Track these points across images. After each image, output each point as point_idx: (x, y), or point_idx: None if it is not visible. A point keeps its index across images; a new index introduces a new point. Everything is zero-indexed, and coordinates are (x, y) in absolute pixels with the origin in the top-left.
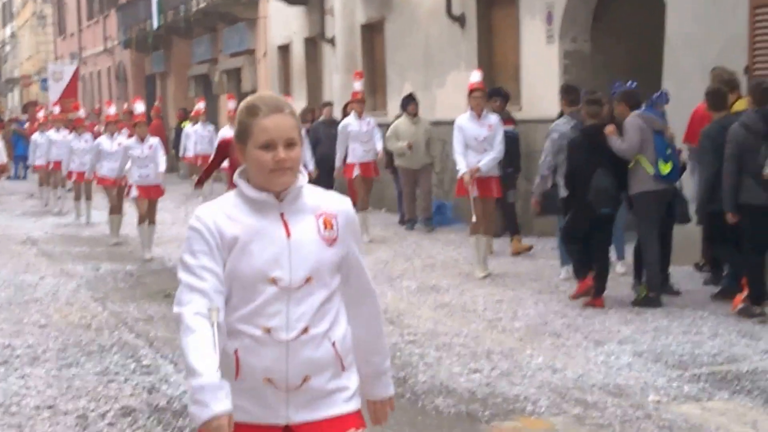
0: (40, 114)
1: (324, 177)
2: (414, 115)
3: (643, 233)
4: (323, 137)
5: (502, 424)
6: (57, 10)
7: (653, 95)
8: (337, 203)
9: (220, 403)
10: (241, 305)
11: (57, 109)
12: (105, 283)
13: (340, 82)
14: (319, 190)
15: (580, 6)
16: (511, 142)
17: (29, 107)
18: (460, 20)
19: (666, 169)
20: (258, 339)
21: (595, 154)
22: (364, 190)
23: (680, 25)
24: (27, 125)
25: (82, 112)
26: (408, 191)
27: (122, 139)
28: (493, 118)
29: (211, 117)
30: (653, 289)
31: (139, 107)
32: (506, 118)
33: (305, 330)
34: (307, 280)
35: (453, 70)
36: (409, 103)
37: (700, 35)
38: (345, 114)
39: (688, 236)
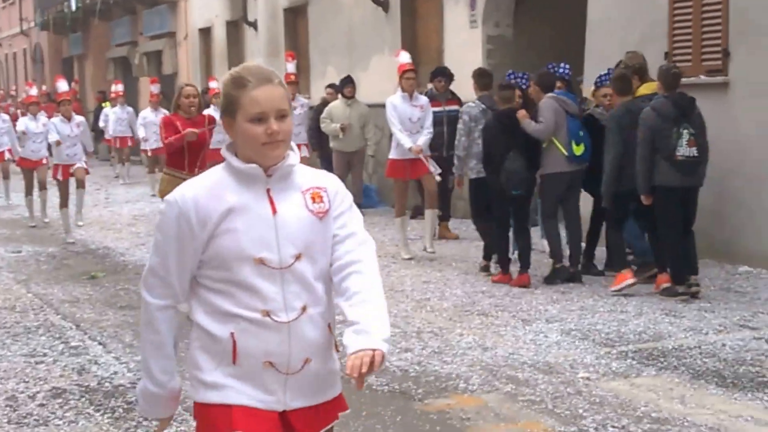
0: None
1: None
2: (350, 97)
3: (544, 209)
4: None
5: (435, 401)
6: None
7: (601, 74)
8: (325, 179)
9: (168, 410)
10: (229, 288)
11: None
12: (27, 266)
13: (262, 64)
14: (309, 169)
15: None
16: (456, 122)
17: None
18: (384, 4)
19: (579, 150)
20: (256, 322)
21: (508, 138)
22: None
23: (602, 11)
24: None
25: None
26: (340, 174)
27: (44, 119)
28: (424, 99)
29: (131, 100)
30: (559, 261)
31: (63, 86)
32: (451, 98)
33: (304, 309)
34: (297, 257)
35: (376, 54)
36: (345, 85)
37: (621, 20)
38: None
39: None
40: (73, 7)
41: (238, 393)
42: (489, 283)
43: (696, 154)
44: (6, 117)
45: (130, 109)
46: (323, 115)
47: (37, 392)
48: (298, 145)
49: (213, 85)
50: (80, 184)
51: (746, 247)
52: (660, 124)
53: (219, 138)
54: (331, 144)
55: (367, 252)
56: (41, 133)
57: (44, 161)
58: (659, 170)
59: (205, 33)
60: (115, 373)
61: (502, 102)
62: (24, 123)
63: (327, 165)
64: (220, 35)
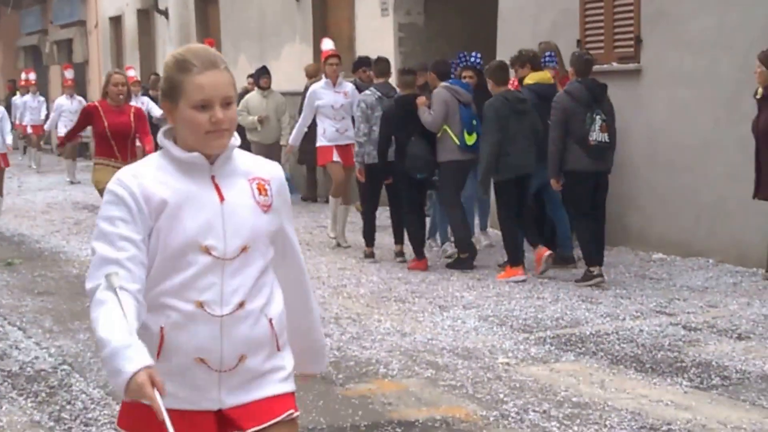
0: None
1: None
2: (266, 88)
3: (444, 198)
4: None
5: (356, 386)
6: None
7: (544, 55)
8: (269, 168)
9: (131, 361)
10: (168, 277)
11: None
12: None
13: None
14: (247, 154)
15: None
16: None
17: None
18: None
19: (471, 140)
20: (188, 314)
21: (409, 123)
22: None
23: None
24: None
25: None
26: None
27: None
28: (349, 86)
29: (42, 88)
30: (463, 250)
31: None
32: None
33: (241, 305)
34: (243, 249)
35: (288, 42)
36: (261, 76)
37: (533, 8)
38: None
39: None
40: None
41: (169, 396)
42: (404, 271)
43: (607, 140)
44: None
45: (42, 97)
46: (239, 107)
47: None
48: None
49: (131, 73)
50: None
51: (659, 234)
52: (574, 108)
53: None
54: (249, 137)
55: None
56: None
57: None
58: (571, 155)
59: (116, 21)
60: (36, 358)
61: (402, 87)
62: None
63: None
64: (131, 23)
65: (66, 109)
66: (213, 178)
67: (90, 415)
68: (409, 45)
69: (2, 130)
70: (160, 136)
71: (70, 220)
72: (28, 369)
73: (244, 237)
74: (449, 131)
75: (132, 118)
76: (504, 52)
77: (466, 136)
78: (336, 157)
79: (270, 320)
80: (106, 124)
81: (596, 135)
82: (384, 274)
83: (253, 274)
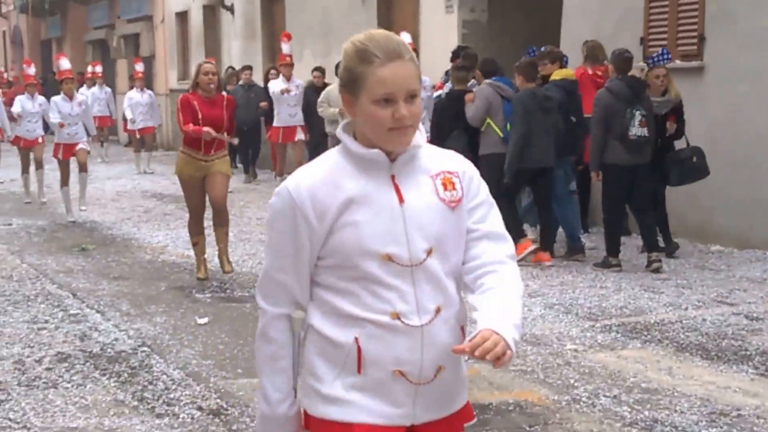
0: None
1: (243, 142)
2: None
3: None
4: (241, 101)
5: None
6: None
7: (655, 54)
8: (458, 161)
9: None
10: (355, 288)
11: None
12: (19, 238)
13: (238, 48)
14: (434, 148)
15: None
16: None
17: None
18: None
19: None
20: (384, 326)
21: (455, 117)
22: (281, 155)
23: None
24: None
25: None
26: None
27: (41, 99)
28: (426, 79)
29: (109, 81)
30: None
31: (65, 63)
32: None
33: (438, 311)
34: (428, 252)
35: None
36: None
37: (596, 6)
38: (267, 78)
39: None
40: None
41: (361, 409)
42: None
43: (646, 134)
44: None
45: (108, 89)
46: (321, 98)
47: (43, 357)
48: (300, 128)
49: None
50: (83, 168)
51: (718, 227)
52: (614, 104)
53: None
54: (328, 129)
55: (507, 252)
56: (37, 113)
57: (40, 140)
58: (610, 149)
59: (182, 16)
60: (116, 339)
61: (456, 83)
62: (20, 102)
63: (314, 151)
64: (196, 19)
65: (137, 102)
66: (393, 177)
67: (171, 395)
68: (472, 41)
69: (86, 121)
70: (339, 130)
71: (140, 208)
72: (109, 350)
73: (429, 239)
74: (492, 125)
75: (224, 111)
76: (567, 49)
77: (509, 128)
78: None
79: (462, 328)
80: (200, 116)
81: (635, 130)
82: None
83: (442, 276)
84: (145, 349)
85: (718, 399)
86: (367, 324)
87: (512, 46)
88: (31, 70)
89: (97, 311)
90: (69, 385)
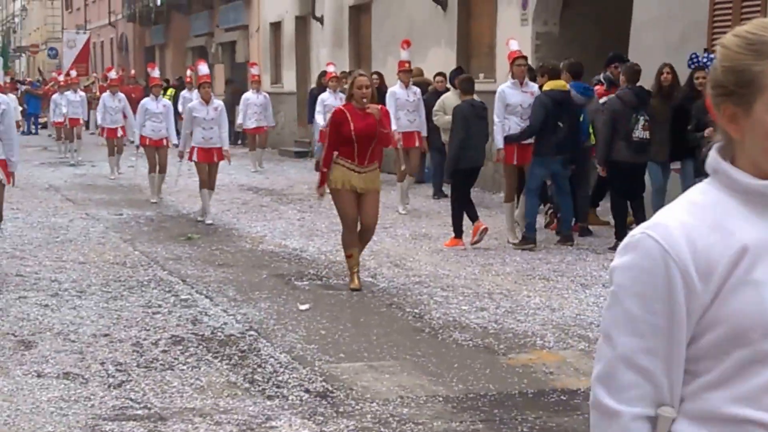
0: (61, 77)
1: None
2: None
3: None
4: None
5: (518, 356)
6: None
7: (695, 58)
8: None
9: None
10: (737, 374)
11: (74, 73)
12: (130, 227)
13: (326, 55)
14: None
15: None
16: None
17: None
18: (443, 3)
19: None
20: None
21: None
22: (404, 160)
23: (648, 10)
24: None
25: (113, 74)
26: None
27: (165, 101)
28: (534, 86)
29: None
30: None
31: (203, 68)
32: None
33: None
34: None
35: (433, 47)
36: (457, 76)
37: (664, 19)
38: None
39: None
40: (159, 2)
41: None
42: (544, 251)
43: (648, 137)
44: (122, 96)
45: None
46: (436, 107)
47: (159, 339)
48: (411, 133)
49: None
50: (211, 186)
51: None
52: (621, 110)
53: None
54: (443, 137)
55: None
56: (160, 113)
57: (164, 142)
58: (615, 148)
59: (276, 26)
60: (225, 324)
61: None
62: (145, 103)
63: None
64: (289, 28)
65: (252, 102)
66: None
67: (280, 378)
68: (543, 51)
69: (221, 122)
70: (714, 156)
71: (238, 201)
72: (219, 334)
73: None
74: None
75: (377, 121)
76: (635, 60)
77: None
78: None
79: None
80: (352, 127)
81: (639, 132)
82: (526, 255)
83: None
84: (253, 333)
85: None
86: (747, 425)
87: (581, 56)
88: (156, 73)
89: (206, 296)
90: (185, 367)
